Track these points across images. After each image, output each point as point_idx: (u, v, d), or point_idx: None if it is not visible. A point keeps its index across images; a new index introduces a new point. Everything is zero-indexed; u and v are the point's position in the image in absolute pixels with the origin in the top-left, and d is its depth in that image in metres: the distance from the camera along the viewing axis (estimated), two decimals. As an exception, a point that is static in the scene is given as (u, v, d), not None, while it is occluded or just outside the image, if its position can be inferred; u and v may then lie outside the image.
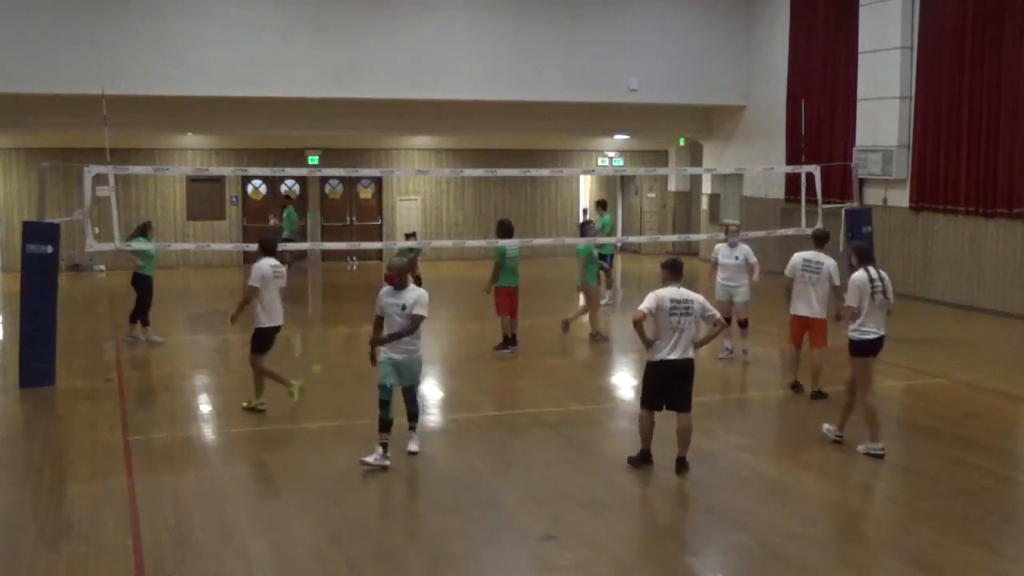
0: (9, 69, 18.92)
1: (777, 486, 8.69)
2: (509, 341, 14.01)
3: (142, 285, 14.71)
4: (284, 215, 24.74)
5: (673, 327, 8.56)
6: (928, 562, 6.93)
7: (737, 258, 13.21)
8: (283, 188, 25.93)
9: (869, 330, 9.26)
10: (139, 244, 14.54)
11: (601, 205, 20.89)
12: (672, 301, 8.57)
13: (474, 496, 8.21)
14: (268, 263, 10.74)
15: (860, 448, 9.28)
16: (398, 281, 9.07)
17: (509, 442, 9.89)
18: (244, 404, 10.95)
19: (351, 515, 7.80)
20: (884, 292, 9.35)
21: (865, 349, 9.30)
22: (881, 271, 9.52)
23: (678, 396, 8.73)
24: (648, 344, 8.66)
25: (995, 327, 16.38)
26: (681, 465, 8.77)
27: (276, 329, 10.91)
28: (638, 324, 8.64)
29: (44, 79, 19.14)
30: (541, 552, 7.15)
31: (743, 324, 13.27)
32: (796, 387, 11.64)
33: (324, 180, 25.92)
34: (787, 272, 11.50)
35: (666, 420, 8.89)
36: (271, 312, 10.76)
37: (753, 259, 13.26)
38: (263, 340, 10.86)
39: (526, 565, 7.06)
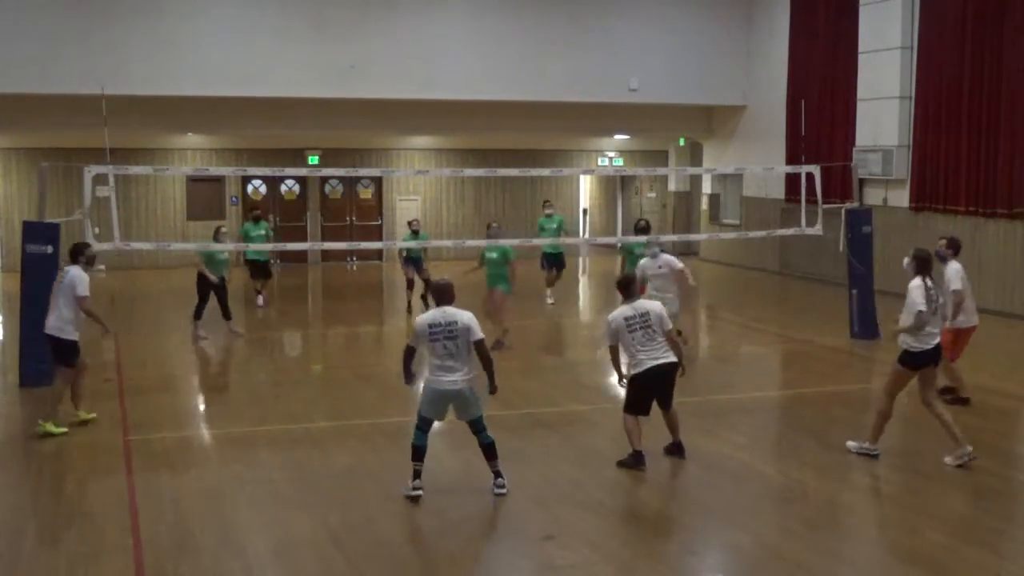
0: (9, 69, 18.88)
1: (777, 486, 8.70)
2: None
3: (200, 283, 15.38)
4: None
5: (639, 340, 8.78)
6: (928, 562, 6.93)
7: (660, 267, 12.92)
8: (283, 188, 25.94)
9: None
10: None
11: (547, 204, 20.20)
12: (627, 318, 8.85)
13: (474, 496, 8.21)
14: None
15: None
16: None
17: (508, 442, 9.85)
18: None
19: (351, 515, 7.79)
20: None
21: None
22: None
23: (663, 397, 8.97)
24: (619, 369, 9.01)
25: (995, 327, 16.35)
26: (679, 449, 9.07)
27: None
28: (611, 352, 9.04)
29: (44, 79, 19.11)
30: (541, 552, 7.15)
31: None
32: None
33: (324, 180, 25.92)
34: (959, 285, 10.77)
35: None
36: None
37: (679, 265, 13.05)
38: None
39: (526, 565, 7.05)
